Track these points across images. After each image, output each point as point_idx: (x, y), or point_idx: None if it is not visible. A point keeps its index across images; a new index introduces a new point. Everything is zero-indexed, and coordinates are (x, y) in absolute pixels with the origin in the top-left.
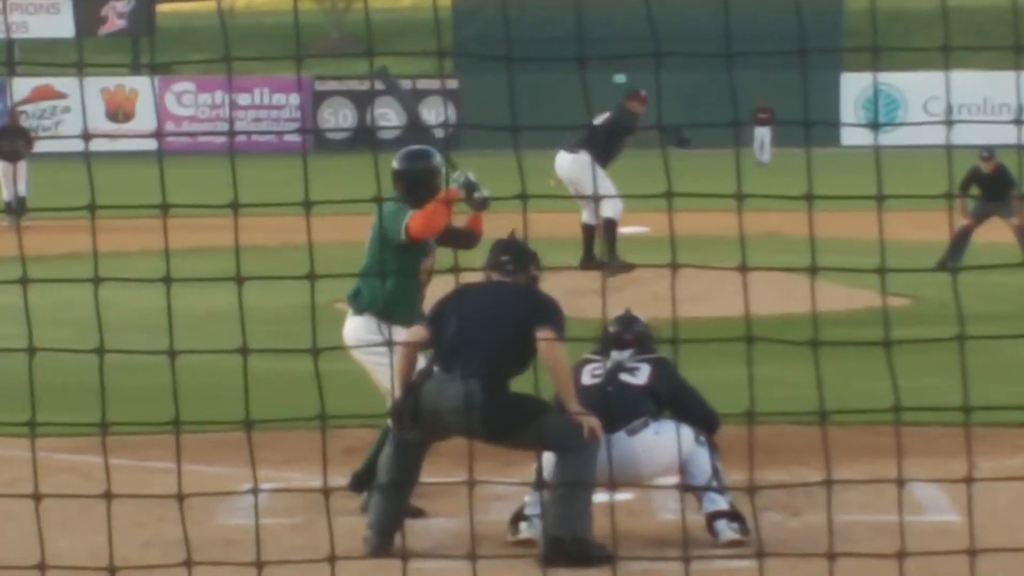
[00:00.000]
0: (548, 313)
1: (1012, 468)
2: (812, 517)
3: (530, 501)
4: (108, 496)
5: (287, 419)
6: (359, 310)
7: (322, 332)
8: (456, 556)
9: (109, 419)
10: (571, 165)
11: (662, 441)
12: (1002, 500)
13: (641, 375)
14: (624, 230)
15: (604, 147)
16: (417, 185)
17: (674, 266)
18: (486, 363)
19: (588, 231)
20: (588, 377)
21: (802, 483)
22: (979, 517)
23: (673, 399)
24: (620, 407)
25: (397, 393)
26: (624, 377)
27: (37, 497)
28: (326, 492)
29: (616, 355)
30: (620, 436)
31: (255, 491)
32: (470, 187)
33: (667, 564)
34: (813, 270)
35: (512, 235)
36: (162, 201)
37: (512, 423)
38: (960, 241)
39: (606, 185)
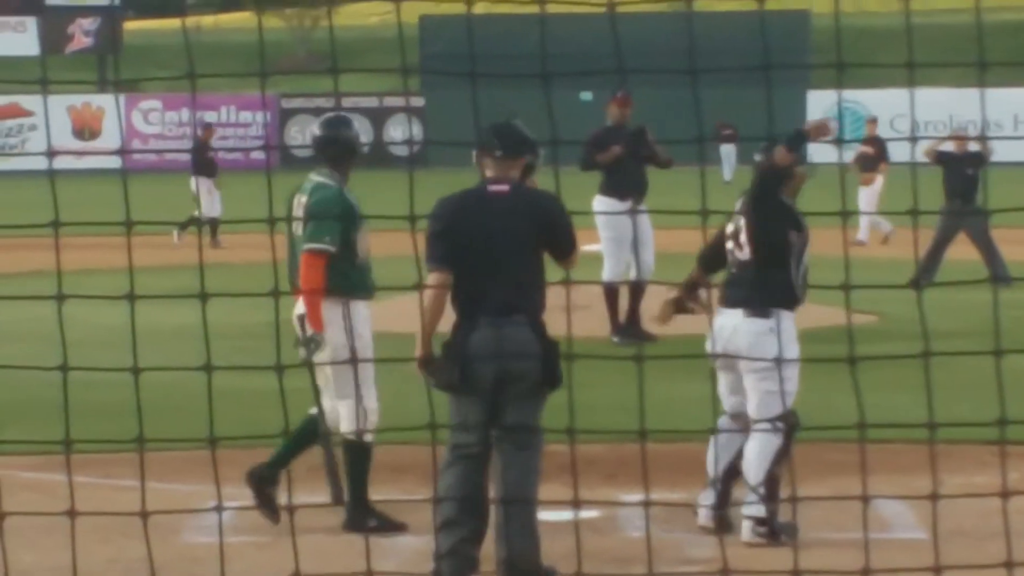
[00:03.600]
0: (570, 241)
1: (977, 485)
2: None
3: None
4: (72, 514)
5: (252, 436)
6: None
7: (287, 349)
8: (421, 574)
9: (73, 436)
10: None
11: (772, 338)
12: (968, 517)
13: (744, 242)
14: (589, 247)
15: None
16: (345, 152)
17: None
18: (527, 303)
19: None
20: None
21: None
22: (944, 534)
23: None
24: (739, 285)
25: (420, 345)
26: (736, 253)
27: (0, 515)
28: (291, 510)
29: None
30: (737, 312)
31: (219, 509)
32: None
33: None
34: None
35: (510, 117)
36: (126, 218)
37: (553, 380)
38: (932, 258)
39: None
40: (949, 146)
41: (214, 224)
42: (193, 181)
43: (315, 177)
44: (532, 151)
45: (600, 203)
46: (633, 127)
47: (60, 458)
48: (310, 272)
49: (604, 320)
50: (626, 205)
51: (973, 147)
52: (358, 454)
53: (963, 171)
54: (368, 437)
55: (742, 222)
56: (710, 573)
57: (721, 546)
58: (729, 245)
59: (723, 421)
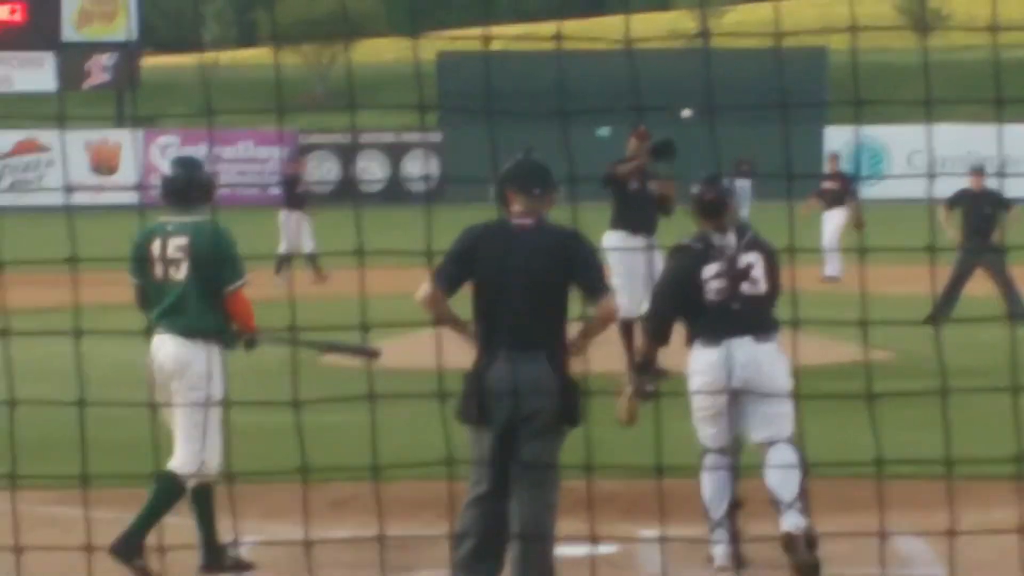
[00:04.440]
0: (600, 278)
1: (995, 521)
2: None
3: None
4: (89, 548)
5: (268, 472)
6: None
7: (304, 385)
8: None
9: (90, 472)
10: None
11: (782, 360)
12: (986, 553)
13: (759, 277)
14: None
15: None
16: (208, 192)
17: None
18: (547, 338)
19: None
20: (713, 286)
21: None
22: (963, 570)
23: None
24: (747, 317)
25: (466, 338)
26: (747, 289)
27: (18, 550)
28: (308, 545)
29: (721, 243)
30: (747, 340)
31: (236, 544)
32: None
33: None
34: (795, 323)
35: (528, 152)
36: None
37: (572, 419)
38: (950, 295)
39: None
40: (967, 183)
41: (313, 258)
42: (283, 215)
43: (179, 218)
44: (557, 186)
45: (611, 237)
46: (658, 140)
47: (78, 493)
48: (245, 308)
49: (620, 356)
50: (638, 239)
51: (991, 184)
52: (208, 495)
53: (981, 209)
54: (209, 477)
55: (753, 257)
56: None
57: None
58: (717, 284)
59: (713, 459)
